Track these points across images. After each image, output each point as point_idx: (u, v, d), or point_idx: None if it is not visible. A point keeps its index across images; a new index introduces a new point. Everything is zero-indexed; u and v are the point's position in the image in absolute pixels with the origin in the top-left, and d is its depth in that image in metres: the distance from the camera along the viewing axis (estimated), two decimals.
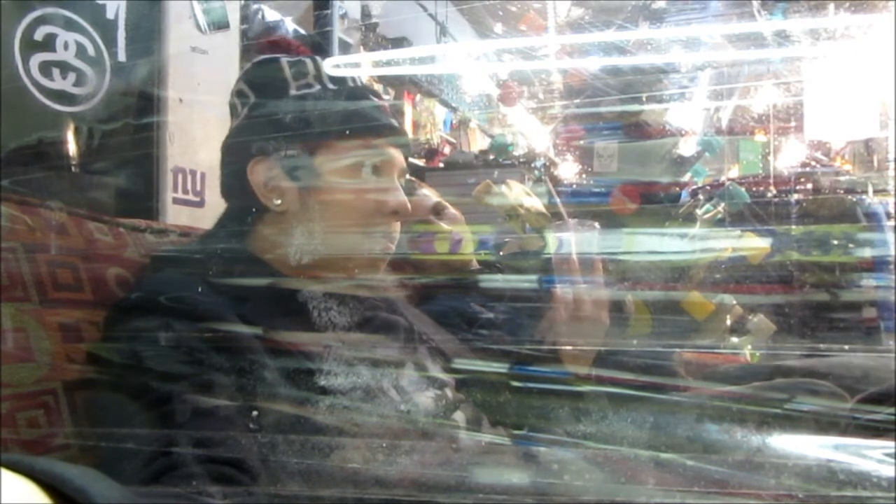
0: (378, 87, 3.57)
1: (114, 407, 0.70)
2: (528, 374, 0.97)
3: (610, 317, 0.97)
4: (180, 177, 1.56)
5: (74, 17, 1.37)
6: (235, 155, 0.88)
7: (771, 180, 2.64)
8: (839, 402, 0.95)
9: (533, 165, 3.45)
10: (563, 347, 0.96)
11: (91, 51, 1.39)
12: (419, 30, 3.98)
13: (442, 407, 0.90)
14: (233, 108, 0.91)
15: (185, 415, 0.66)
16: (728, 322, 1.29)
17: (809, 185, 2.57)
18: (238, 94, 0.90)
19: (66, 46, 1.35)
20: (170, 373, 0.69)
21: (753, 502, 0.65)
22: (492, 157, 3.72)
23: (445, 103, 4.32)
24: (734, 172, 3.13)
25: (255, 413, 0.71)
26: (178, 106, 1.55)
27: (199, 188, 1.59)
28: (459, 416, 0.92)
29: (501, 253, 1.35)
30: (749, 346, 1.35)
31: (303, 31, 2.39)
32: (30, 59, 1.29)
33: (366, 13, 3.50)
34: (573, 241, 0.99)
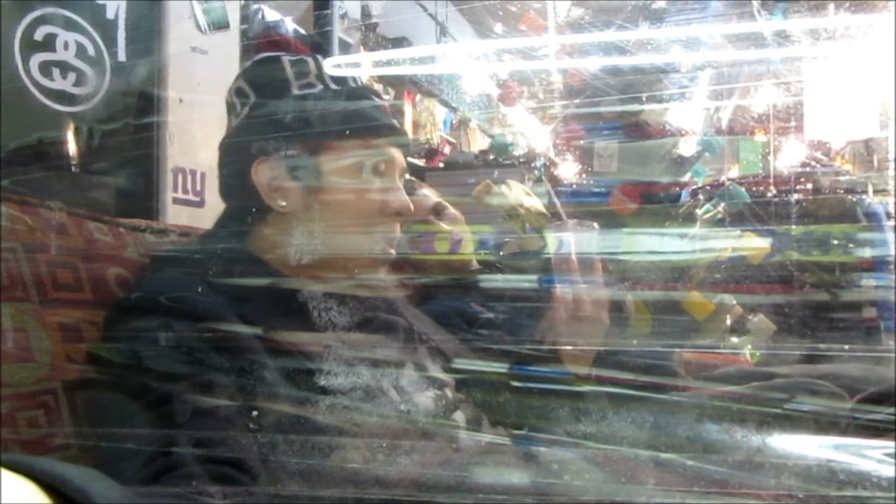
0: (378, 87, 3.57)
1: (114, 407, 0.70)
2: (528, 374, 0.97)
3: (610, 317, 0.97)
4: (180, 177, 1.56)
5: (74, 17, 1.37)
6: (236, 154, 0.87)
7: (771, 180, 2.64)
8: (839, 402, 0.95)
9: (533, 165, 3.45)
10: (563, 347, 0.96)
11: (91, 51, 1.39)
12: (419, 30, 3.98)
13: (442, 407, 0.90)
14: (231, 106, 0.90)
15: (185, 415, 0.66)
16: (728, 322, 1.29)
17: (809, 185, 2.57)
18: (237, 92, 0.89)
19: (66, 46, 1.35)
20: (170, 373, 0.69)
21: (753, 502, 0.65)
22: (492, 157, 3.72)
23: (445, 103, 4.32)
24: (734, 172, 3.13)
25: (255, 413, 0.71)
26: (178, 106, 1.55)
27: (199, 188, 1.59)
28: (459, 416, 0.92)
29: (501, 253, 1.35)
30: (749, 346, 1.35)
31: (303, 31, 2.39)
32: (30, 59, 1.29)
33: (366, 13, 3.50)
34: (573, 241, 0.99)
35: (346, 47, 2.79)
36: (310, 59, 0.90)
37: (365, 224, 0.87)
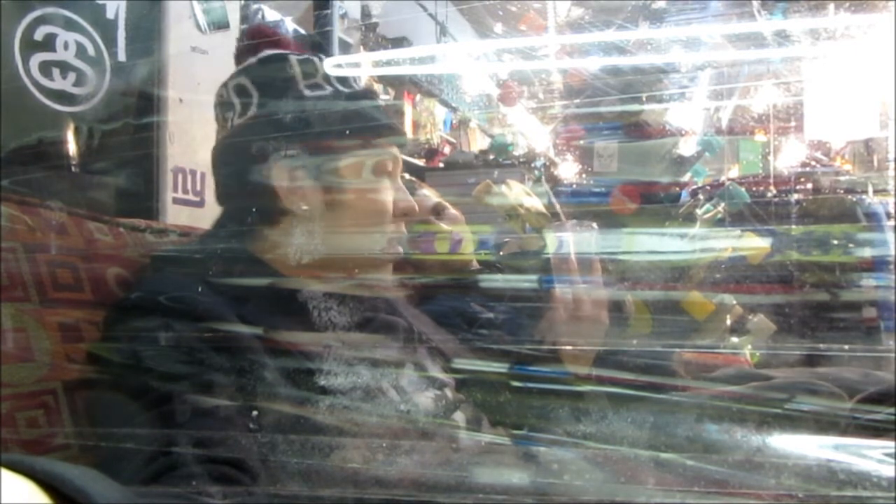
0: (378, 87, 3.57)
1: (114, 407, 0.70)
2: (528, 374, 0.97)
3: (610, 317, 0.97)
4: (180, 177, 1.56)
5: (74, 17, 1.37)
6: (242, 155, 0.85)
7: (771, 180, 2.64)
8: (839, 402, 0.95)
9: (533, 165, 3.45)
10: (563, 347, 0.96)
11: (91, 51, 1.39)
12: (419, 30, 3.98)
13: (442, 407, 0.90)
14: (227, 105, 0.87)
15: (185, 415, 0.66)
16: (728, 322, 1.29)
17: (809, 185, 2.57)
18: (238, 90, 0.86)
19: (66, 46, 1.35)
20: (169, 373, 0.69)
21: (753, 502, 0.65)
22: (492, 157, 3.72)
23: (445, 103, 4.32)
24: (734, 172, 3.12)
25: (255, 413, 0.71)
26: (178, 106, 1.55)
27: (199, 188, 1.59)
28: (459, 416, 0.92)
29: (501, 253, 1.35)
30: (749, 346, 1.35)
31: (303, 31, 2.39)
32: (30, 59, 1.29)
33: (366, 13, 3.50)
34: (573, 241, 0.99)
35: (346, 47, 2.78)
36: (314, 59, 0.89)
37: (379, 225, 0.88)
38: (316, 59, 0.89)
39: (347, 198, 0.86)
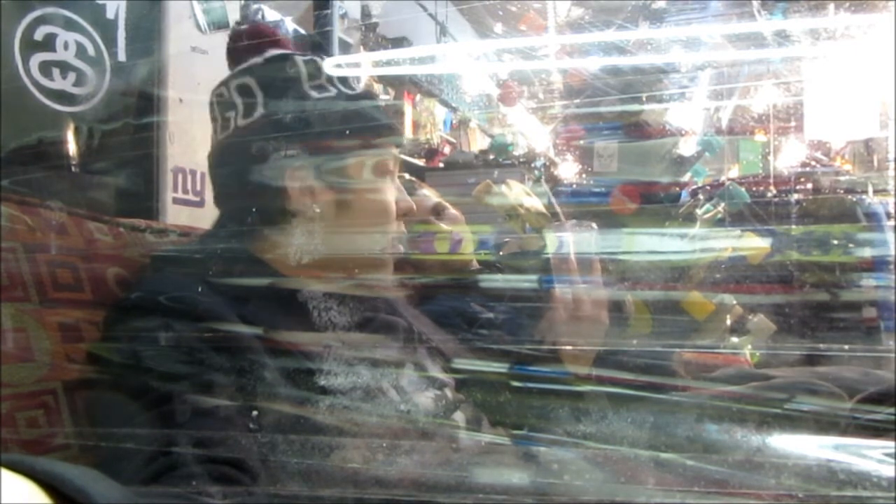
0: (378, 87, 3.57)
1: (114, 407, 0.70)
2: (528, 374, 0.97)
3: (610, 317, 0.97)
4: (180, 177, 1.56)
5: (74, 17, 1.37)
6: (248, 155, 0.83)
7: (771, 180, 2.64)
8: (839, 402, 0.95)
9: (533, 165, 3.45)
10: (563, 347, 0.96)
11: (91, 51, 1.39)
12: (419, 30, 3.98)
13: (442, 407, 0.90)
14: (227, 105, 0.86)
15: (185, 415, 0.66)
16: (728, 322, 1.29)
17: (809, 185, 2.57)
18: (241, 90, 0.85)
19: (66, 46, 1.35)
20: (170, 373, 0.69)
21: (753, 502, 0.65)
22: (492, 157, 3.72)
23: (445, 103, 4.32)
24: (734, 172, 3.12)
25: (255, 413, 0.71)
26: (178, 106, 1.55)
27: (199, 188, 1.59)
28: (459, 416, 0.92)
29: (501, 253, 1.35)
30: (749, 346, 1.35)
31: (303, 31, 2.39)
32: (30, 59, 1.29)
33: (366, 13, 3.50)
34: (572, 241, 0.99)
35: (346, 47, 2.78)
36: (317, 59, 0.89)
37: (384, 224, 0.88)
38: (318, 60, 0.89)
39: (356, 198, 0.86)
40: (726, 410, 0.95)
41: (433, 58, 3.91)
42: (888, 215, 2.35)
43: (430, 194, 1.39)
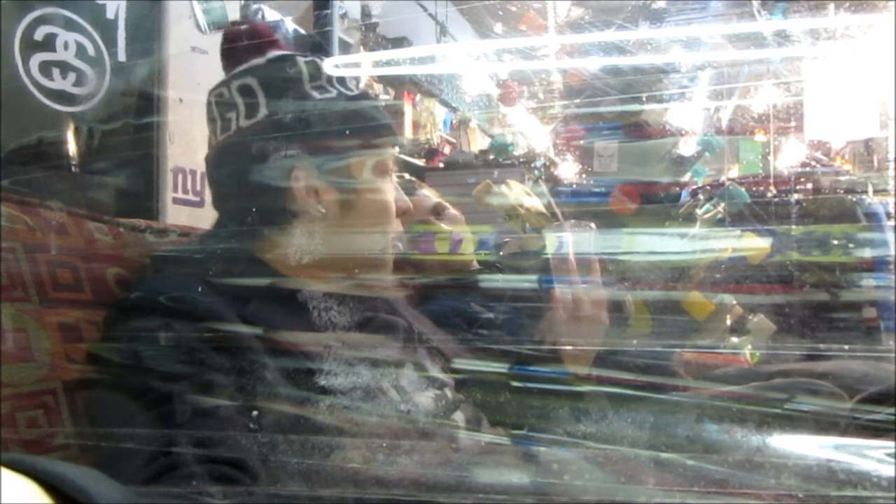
0: (378, 87, 3.57)
1: (114, 407, 0.70)
2: (528, 374, 0.97)
3: (610, 317, 0.97)
4: (180, 177, 1.56)
5: (74, 17, 1.37)
6: (252, 155, 0.83)
7: (771, 180, 2.64)
8: (839, 402, 0.95)
9: (533, 165, 3.45)
10: (563, 347, 0.96)
11: (91, 51, 1.39)
12: (419, 30, 3.98)
13: (442, 407, 0.90)
14: (227, 105, 0.86)
15: (185, 415, 0.66)
16: (728, 322, 1.29)
17: (809, 185, 2.57)
18: (242, 90, 0.85)
19: (66, 46, 1.35)
20: (170, 373, 0.69)
21: (753, 502, 0.65)
22: (492, 157, 3.72)
23: (445, 103, 4.32)
24: (734, 172, 3.12)
25: (255, 413, 0.71)
26: (178, 106, 1.55)
27: (199, 188, 1.59)
28: (459, 416, 0.92)
29: (501, 253, 1.36)
30: (749, 346, 1.35)
31: (303, 31, 2.39)
32: (30, 59, 1.29)
33: (366, 13, 3.50)
34: (572, 241, 0.99)
35: (346, 47, 2.78)
36: (318, 60, 0.89)
37: (386, 224, 0.89)
38: (319, 61, 0.89)
39: (357, 198, 0.87)
40: (726, 410, 0.95)
41: (433, 58, 3.90)
42: (888, 215, 2.35)
43: (430, 194, 1.39)
